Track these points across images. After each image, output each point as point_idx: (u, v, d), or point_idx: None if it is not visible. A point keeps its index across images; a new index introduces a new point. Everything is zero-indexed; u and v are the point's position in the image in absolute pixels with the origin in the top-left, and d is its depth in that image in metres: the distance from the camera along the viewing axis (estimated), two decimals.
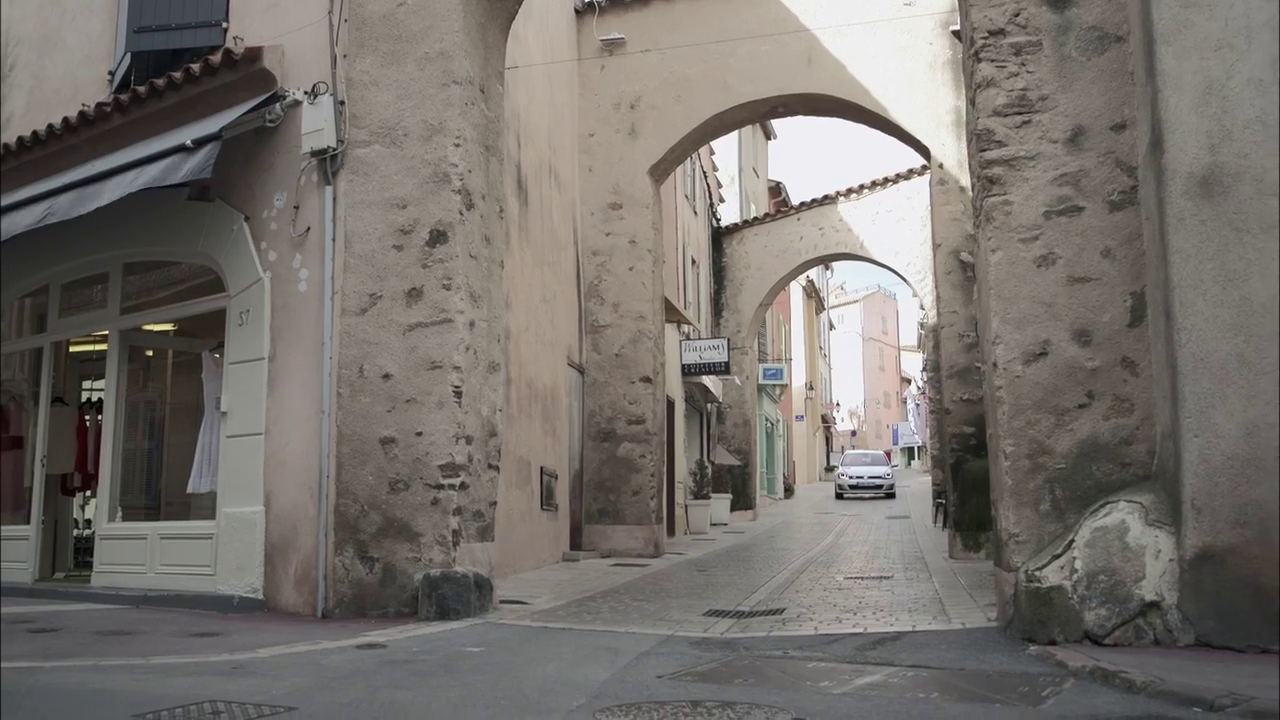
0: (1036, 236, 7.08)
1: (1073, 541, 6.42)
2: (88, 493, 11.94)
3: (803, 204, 27.70)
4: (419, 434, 8.37)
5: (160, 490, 11.94)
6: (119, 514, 10.78)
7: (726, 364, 23.33)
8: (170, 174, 8.76)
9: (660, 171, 16.83)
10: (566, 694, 5.03)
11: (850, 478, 39.55)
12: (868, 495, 38.31)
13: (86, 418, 12.03)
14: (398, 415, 8.44)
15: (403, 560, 8.24)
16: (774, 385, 33.65)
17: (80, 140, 10.62)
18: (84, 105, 10.61)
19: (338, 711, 4.65)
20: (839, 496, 39.07)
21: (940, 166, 15.23)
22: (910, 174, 25.33)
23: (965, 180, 14.15)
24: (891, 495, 38.07)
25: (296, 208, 9.03)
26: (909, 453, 74.82)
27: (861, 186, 26.21)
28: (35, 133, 10.92)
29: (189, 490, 10.15)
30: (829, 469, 58.01)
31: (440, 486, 8.28)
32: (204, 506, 10.16)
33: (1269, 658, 5.65)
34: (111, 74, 11.23)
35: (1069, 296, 6.98)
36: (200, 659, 6.25)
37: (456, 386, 8.41)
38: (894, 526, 20.86)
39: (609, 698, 4.94)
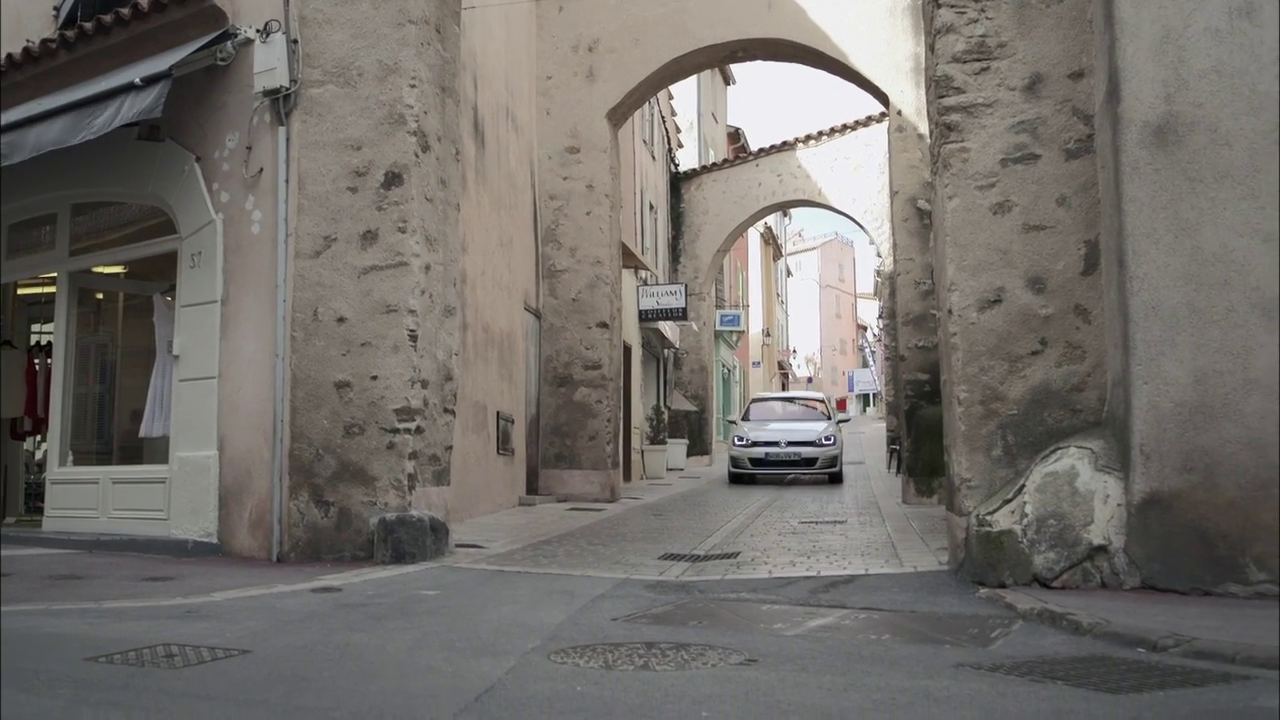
0: (993, 184, 7.11)
1: (1023, 486, 6.51)
2: (38, 437, 11.80)
3: (761, 150, 27.64)
4: (374, 378, 8.32)
5: (113, 434, 11.82)
6: (70, 458, 10.67)
7: (684, 310, 23.35)
8: (120, 114, 8.59)
9: (618, 116, 16.69)
10: (522, 636, 5.05)
11: (756, 446, 20.26)
12: (789, 474, 20.38)
13: (36, 361, 11.86)
14: (352, 359, 8.38)
15: (358, 504, 8.22)
16: (731, 332, 33.63)
17: (25, 78, 10.35)
18: (28, 41, 10.34)
19: (293, 654, 4.65)
20: (735, 479, 20.44)
21: (899, 114, 15.21)
22: (869, 121, 25.31)
23: (923, 127, 14.16)
24: (834, 476, 19.88)
25: (249, 148, 8.89)
26: (864, 399, 75.33)
27: (820, 133, 26.17)
28: None
29: (141, 434, 10.05)
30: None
31: (395, 430, 8.25)
32: (157, 451, 10.08)
33: (1211, 600, 5.77)
34: (57, 9, 10.98)
35: (1024, 244, 7.02)
36: (154, 603, 6.21)
37: (412, 330, 8.36)
38: (848, 473, 21.09)
39: (564, 640, 4.97)
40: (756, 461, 19.59)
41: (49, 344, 11.42)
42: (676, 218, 27.59)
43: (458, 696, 3.83)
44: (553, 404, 16.08)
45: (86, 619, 5.68)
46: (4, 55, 10.30)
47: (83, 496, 9.97)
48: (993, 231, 7.08)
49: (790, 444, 19.63)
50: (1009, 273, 7.02)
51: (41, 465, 11.54)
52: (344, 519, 8.23)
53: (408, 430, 8.26)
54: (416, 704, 3.73)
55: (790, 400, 23.93)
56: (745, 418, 21.90)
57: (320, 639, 5.03)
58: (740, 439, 20.13)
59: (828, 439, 19.60)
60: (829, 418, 21.12)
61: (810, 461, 19.37)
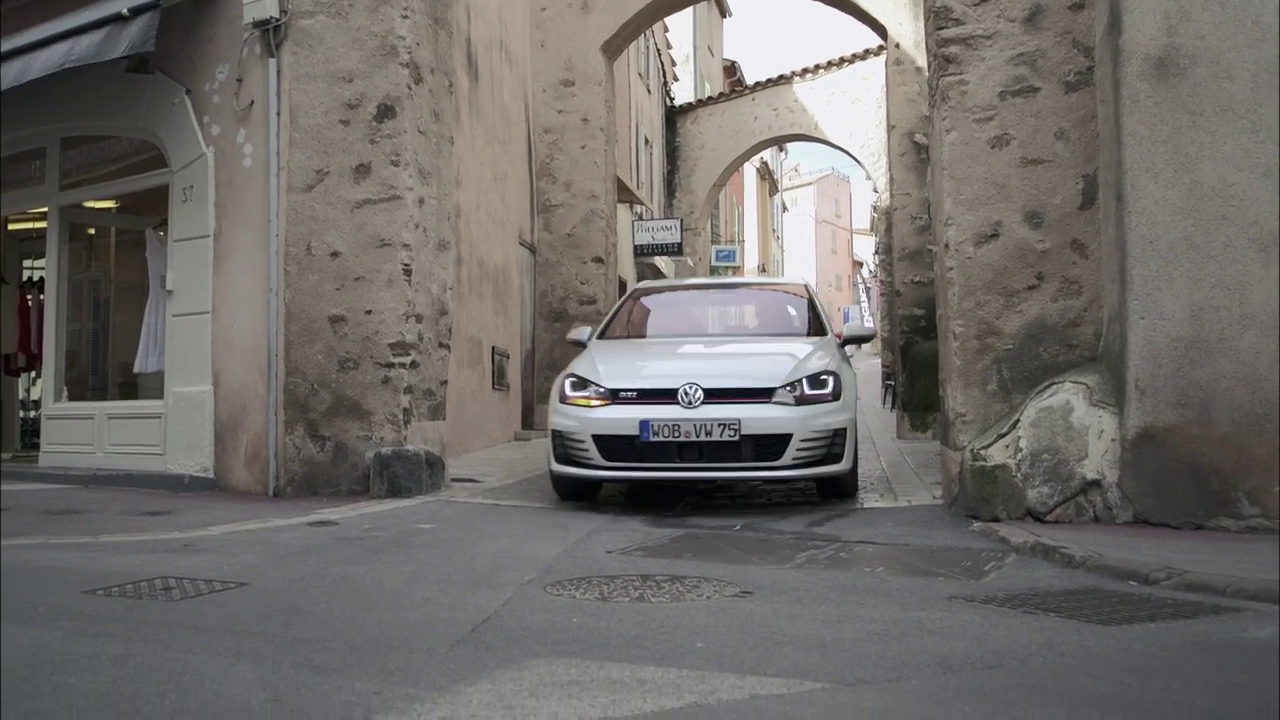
0: (991, 117, 7.04)
1: (1018, 421, 6.52)
2: (32, 373, 11.79)
3: (758, 84, 27.38)
4: (368, 312, 8.29)
5: (107, 370, 11.80)
6: (65, 394, 10.65)
7: (679, 245, 23.24)
8: (109, 47, 8.47)
9: (613, 48, 16.50)
10: (518, 569, 5.08)
11: (620, 403, 7.25)
12: (712, 474, 7.27)
13: (29, 297, 11.82)
14: (347, 293, 8.34)
15: (354, 439, 8.23)
16: (726, 267, 33.51)
17: (7, 9, 10.21)
18: None
19: (289, 586, 4.67)
20: (567, 492, 7.89)
21: (897, 46, 15.05)
22: (866, 54, 25.05)
23: (921, 61, 14.01)
24: (832, 481, 7.64)
25: (239, 80, 8.78)
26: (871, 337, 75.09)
27: (817, 67, 25.91)
28: None
29: (135, 370, 10.03)
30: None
31: (390, 365, 8.24)
32: (151, 386, 10.06)
33: (1203, 534, 5.81)
34: None
35: (1021, 178, 6.97)
36: (151, 537, 6.24)
37: (406, 264, 8.31)
38: None
39: (559, 572, 5.00)
40: (617, 449, 7.16)
41: (41, 280, 11.36)
42: (672, 152, 27.40)
43: (455, 628, 3.85)
44: (548, 339, 16.06)
45: (84, 553, 5.71)
46: None
47: (78, 432, 9.98)
48: (990, 165, 7.02)
49: (716, 396, 7.14)
50: (1006, 207, 6.98)
51: (36, 401, 11.54)
52: (340, 453, 8.24)
53: (403, 365, 8.24)
54: (413, 635, 3.76)
55: (730, 289, 10.80)
56: (607, 333, 9.02)
57: (317, 572, 5.05)
58: (578, 390, 7.52)
59: (818, 385, 7.27)
60: (821, 332, 8.70)
61: (767, 447, 7.04)
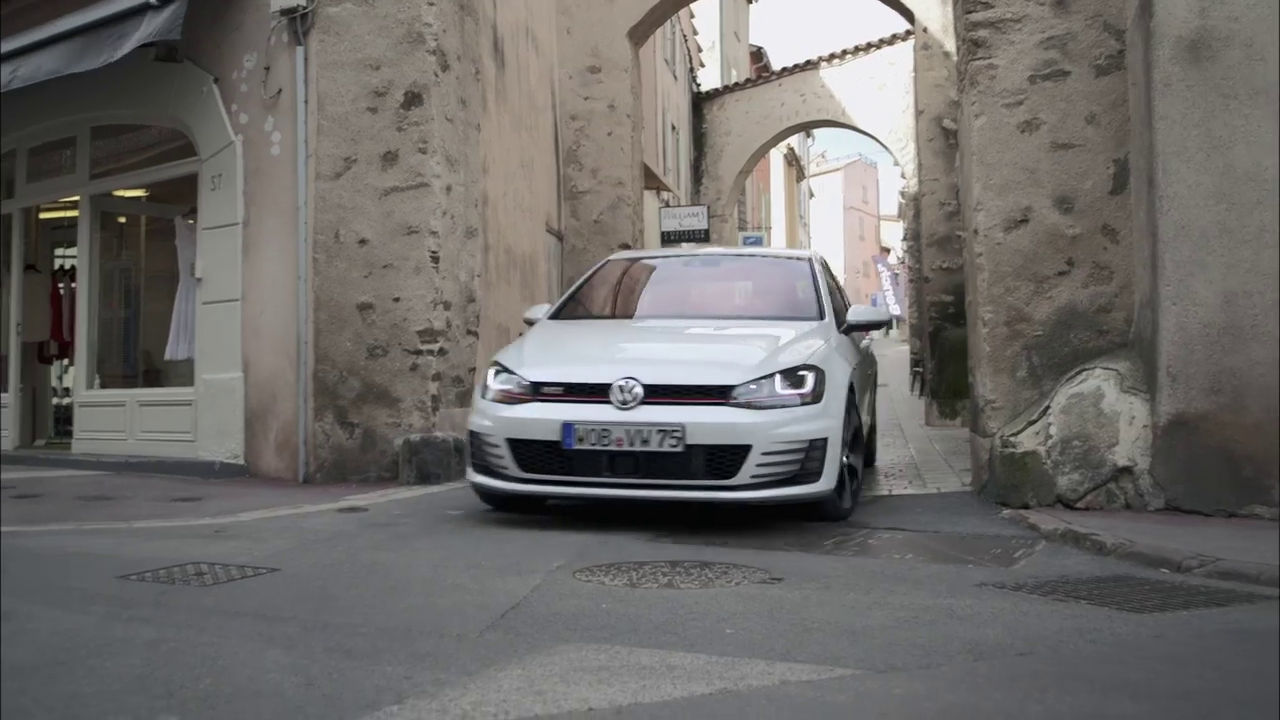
0: (1021, 101, 6.99)
1: (1048, 408, 6.48)
2: (65, 360, 11.88)
3: (785, 70, 27.23)
4: (396, 299, 8.31)
5: (138, 357, 11.89)
6: (97, 381, 10.74)
7: (706, 232, 23.14)
8: (137, 35, 8.51)
9: (639, 34, 16.47)
10: (546, 555, 5.09)
11: (541, 400, 5.92)
12: (649, 492, 5.73)
13: (60, 285, 11.91)
14: (375, 281, 8.37)
15: (382, 425, 8.27)
16: None
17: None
18: None
19: (320, 572, 4.70)
20: (498, 501, 6.50)
21: (925, 31, 14.96)
22: (894, 39, 24.86)
23: (950, 45, 13.92)
24: (818, 503, 5.97)
25: (267, 69, 8.82)
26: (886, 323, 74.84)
27: (844, 52, 25.74)
28: None
29: (166, 357, 10.11)
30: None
31: (419, 352, 8.26)
32: (182, 373, 10.15)
33: (1236, 522, 5.76)
34: None
35: (1052, 163, 6.92)
36: (182, 523, 6.29)
37: (434, 252, 8.33)
38: None
39: (589, 558, 5.00)
40: (536, 457, 5.86)
41: (73, 268, 11.45)
42: (698, 138, 27.32)
43: (484, 613, 3.86)
44: None
45: (117, 538, 5.76)
46: None
47: (110, 419, 10.07)
48: (1020, 150, 6.97)
49: (660, 394, 5.73)
50: (1036, 192, 6.93)
51: (68, 389, 11.63)
52: (369, 440, 8.28)
53: (431, 352, 8.27)
54: (444, 620, 3.77)
55: (721, 259, 8.91)
56: (564, 311, 7.42)
57: (347, 558, 5.08)
58: (501, 383, 6.13)
59: (792, 383, 5.79)
60: (819, 316, 6.93)
61: (719, 460, 5.60)
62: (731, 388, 5.72)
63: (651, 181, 19.39)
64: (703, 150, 27.29)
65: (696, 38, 30.05)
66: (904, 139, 23.55)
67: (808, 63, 26.39)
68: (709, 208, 24.00)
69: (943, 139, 14.70)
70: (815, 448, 5.74)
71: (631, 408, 5.68)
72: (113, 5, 9.07)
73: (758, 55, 39.95)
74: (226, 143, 9.03)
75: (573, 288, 7.84)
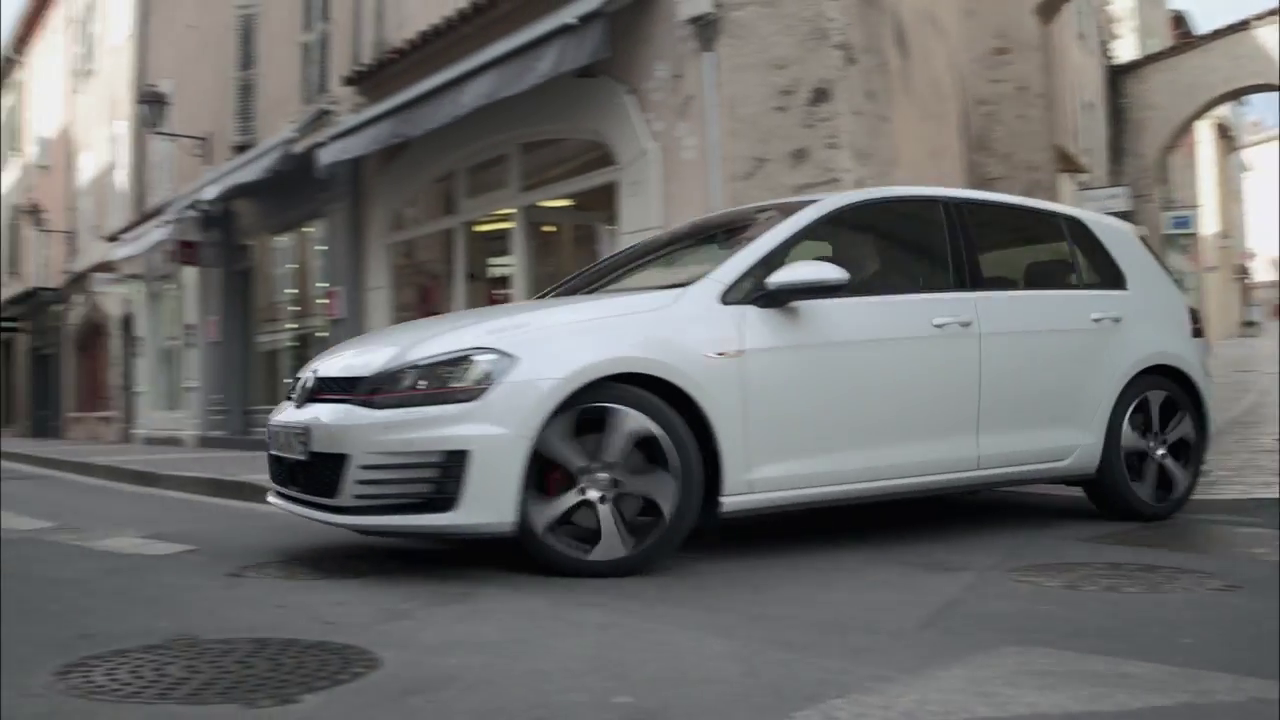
0: None
1: None
2: None
3: (1213, 33, 25.09)
4: None
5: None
6: None
7: (1128, 214, 21.75)
8: (567, 56, 9.05)
9: (1048, 10, 15.69)
10: (978, 552, 4.95)
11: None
12: (301, 506, 4.86)
13: (495, 293, 12.88)
14: None
15: None
16: (1181, 235, 30.93)
17: (473, 29, 11.18)
18: None
19: (751, 564, 4.78)
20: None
21: None
22: None
23: None
24: (415, 508, 4.34)
25: (678, 77, 9.11)
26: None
27: None
28: (434, 26, 11.60)
29: None
30: (1248, 324, 51.21)
31: None
32: None
33: None
34: None
35: None
36: None
37: None
38: None
39: (1023, 557, 4.81)
40: (273, 466, 5.24)
41: (506, 276, 12.35)
42: (1115, 115, 25.67)
43: (917, 610, 3.79)
44: None
45: None
46: (453, 12, 11.16)
47: None
48: None
49: (328, 389, 4.82)
50: None
51: None
52: None
53: None
54: (875, 616, 3.73)
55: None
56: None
57: (773, 552, 5.14)
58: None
59: (441, 376, 4.38)
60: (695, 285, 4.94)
61: (326, 472, 4.54)
62: (363, 380, 4.59)
63: (1066, 164, 18.42)
64: (1121, 127, 25.62)
65: (1110, 7, 28.26)
66: None
67: (1241, 23, 24.16)
68: (1130, 188, 22.53)
69: None
70: (455, 463, 4.25)
71: (302, 406, 4.89)
72: (535, 29, 9.69)
73: (1179, 20, 37.07)
74: (642, 150, 9.42)
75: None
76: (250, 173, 14.52)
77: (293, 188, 14.18)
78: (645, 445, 4.44)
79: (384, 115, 11.59)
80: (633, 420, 4.40)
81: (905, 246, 6.24)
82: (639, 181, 9.48)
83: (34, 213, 29.81)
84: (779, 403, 4.79)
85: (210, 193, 15.80)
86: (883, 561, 4.80)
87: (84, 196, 27.65)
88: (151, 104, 18.95)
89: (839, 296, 4.94)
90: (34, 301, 31.03)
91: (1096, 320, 5.87)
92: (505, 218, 12.09)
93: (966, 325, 5.34)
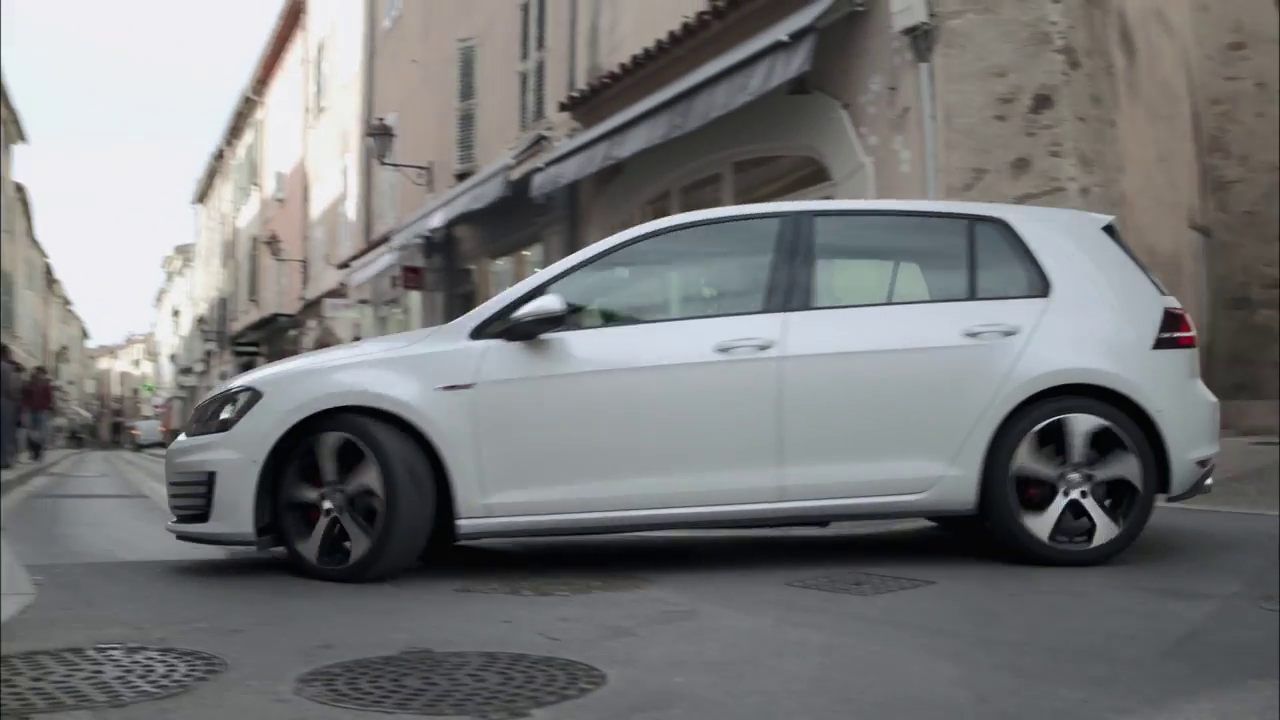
0: None
1: None
2: None
3: None
4: None
5: None
6: None
7: None
8: (775, 73, 9.06)
9: None
10: (1219, 578, 4.68)
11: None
12: None
13: None
14: None
15: None
16: None
17: (684, 51, 11.32)
18: (684, 18, 11.24)
19: (977, 586, 4.67)
20: None
21: None
22: None
23: None
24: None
25: (893, 89, 9.00)
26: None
27: None
28: (646, 50, 11.81)
29: None
30: None
31: None
32: None
33: None
34: None
35: None
36: (839, 533, 6.53)
37: None
38: None
39: (1269, 585, 4.51)
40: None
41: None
42: None
43: (1157, 639, 3.60)
44: (1228, 329, 14.69)
45: (783, 547, 6.13)
46: (665, 35, 11.33)
47: None
48: None
49: None
50: None
51: None
52: None
53: None
54: (1113, 644, 3.57)
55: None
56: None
57: (1004, 572, 4.99)
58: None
59: (226, 404, 5.18)
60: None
61: None
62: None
63: None
64: None
65: None
66: None
67: None
68: None
69: None
70: (210, 482, 4.97)
71: None
72: (746, 48, 9.74)
73: None
74: (858, 165, 9.34)
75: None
76: (472, 200, 15.06)
77: (511, 212, 14.64)
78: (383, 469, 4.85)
79: (598, 139, 11.85)
80: (378, 441, 4.86)
81: (719, 269, 6.04)
82: (854, 197, 9.38)
83: (271, 243, 31.71)
84: (515, 431, 4.97)
85: (434, 220, 16.46)
86: (1121, 586, 4.59)
87: (316, 226, 29.22)
88: (378, 136, 19.91)
89: (593, 328, 5.27)
90: (272, 327, 32.98)
91: (972, 335, 5.09)
92: None
93: (765, 348, 5.00)
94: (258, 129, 37.98)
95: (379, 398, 4.89)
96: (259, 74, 36.11)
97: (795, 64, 8.90)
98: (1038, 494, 5.01)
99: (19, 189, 47.72)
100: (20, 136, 44.54)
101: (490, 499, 4.91)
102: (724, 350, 5.00)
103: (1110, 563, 5.06)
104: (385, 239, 19.97)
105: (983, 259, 5.43)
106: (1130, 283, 5.45)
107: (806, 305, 5.17)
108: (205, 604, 4.56)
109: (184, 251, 67.23)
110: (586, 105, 13.54)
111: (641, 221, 13.30)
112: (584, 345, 5.10)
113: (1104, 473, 5.01)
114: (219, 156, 46.01)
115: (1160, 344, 5.22)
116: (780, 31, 9.22)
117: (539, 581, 4.92)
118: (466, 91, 18.28)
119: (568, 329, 5.04)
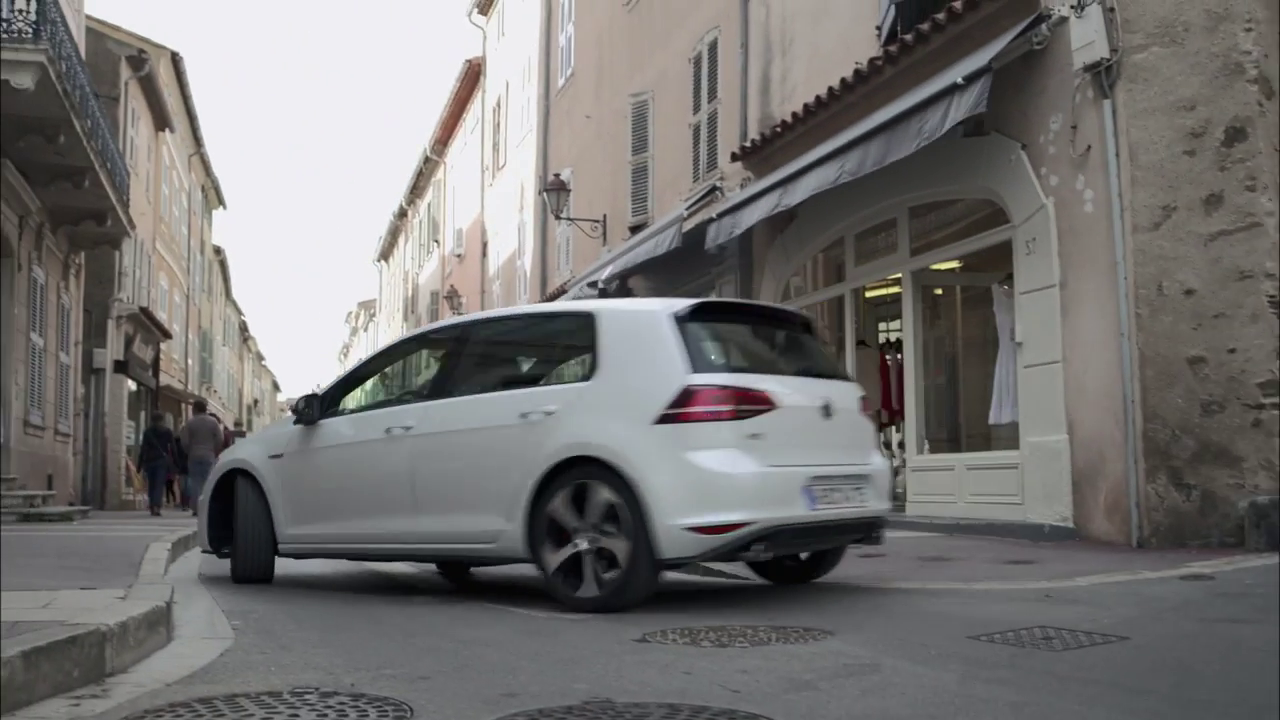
0: None
1: None
2: (893, 427, 12.68)
3: None
4: (1231, 351, 7.72)
5: (960, 423, 12.32)
6: (926, 446, 11.28)
7: None
8: (949, 117, 8.92)
9: None
10: None
11: None
12: None
13: (887, 357, 12.77)
14: (1204, 332, 7.85)
15: (1222, 487, 7.68)
16: None
17: (856, 97, 11.27)
18: (856, 64, 11.19)
19: (1173, 643, 4.44)
20: None
21: None
22: None
23: None
24: None
25: (1074, 127, 8.74)
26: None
27: None
28: (818, 97, 11.79)
29: (990, 421, 10.36)
30: None
31: (1260, 406, 7.58)
32: (1003, 437, 10.32)
33: None
34: (879, 28, 11.70)
35: None
36: (1018, 585, 6.34)
37: (1271, 296, 7.64)
38: None
39: None
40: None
41: (897, 341, 12.23)
42: None
43: None
44: None
45: (959, 599, 5.96)
46: (837, 81, 11.30)
47: (939, 482, 10.52)
48: None
49: None
50: None
51: (894, 454, 12.37)
52: (1207, 502, 7.73)
53: (1275, 406, 7.54)
54: None
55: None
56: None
57: (1200, 629, 4.76)
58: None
59: None
60: None
61: None
62: None
63: None
64: None
65: None
66: None
67: None
68: None
69: None
70: None
71: None
72: (922, 91, 9.62)
73: None
74: (1038, 206, 9.09)
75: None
76: (647, 252, 15.22)
77: (686, 261, 14.74)
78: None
79: (770, 188, 11.87)
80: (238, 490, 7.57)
81: (424, 369, 8.23)
82: (1035, 239, 9.15)
83: (451, 297, 32.66)
84: (296, 486, 7.29)
85: (607, 272, 16.70)
86: None
87: (494, 281, 29.96)
88: (554, 191, 20.36)
89: (338, 415, 7.44)
90: None
91: (524, 415, 6.16)
92: (894, 282, 12.01)
93: (408, 429, 6.70)
94: (438, 187, 39.28)
95: (244, 462, 7.67)
96: (439, 135, 37.35)
97: (971, 105, 8.73)
98: (564, 539, 5.85)
99: (218, 251, 50.57)
100: (220, 203, 47.20)
101: (291, 531, 7.30)
102: (387, 431, 6.82)
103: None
104: (561, 291, 20.35)
105: (568, 350, 7.07)
106: (659, 364, 5.89)
107: (443, 395, 6.79)
108: (394, 650, 4.70)
109: (367, 306, 69.74)
110: (759, 155, 13.58)
111: (814, 269, 13.34)
112: (329, 428, 7.29)
113: (610, 526, 5.71)
114: (401, 215, 47.69)
115: (663, 419, 5.68)
116: (956, 74, 9.07)
117: (718, 632, 4.90)
118: (639, 145, 18.54)
119: (333, 416, 7.38)
